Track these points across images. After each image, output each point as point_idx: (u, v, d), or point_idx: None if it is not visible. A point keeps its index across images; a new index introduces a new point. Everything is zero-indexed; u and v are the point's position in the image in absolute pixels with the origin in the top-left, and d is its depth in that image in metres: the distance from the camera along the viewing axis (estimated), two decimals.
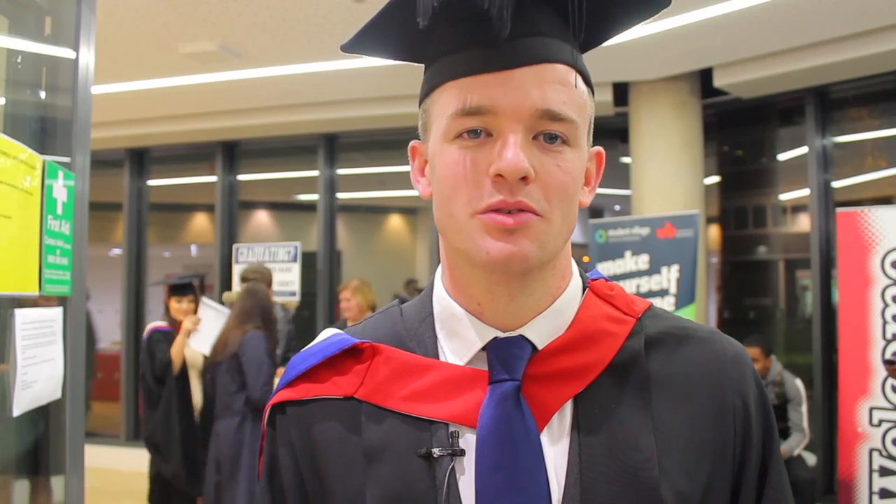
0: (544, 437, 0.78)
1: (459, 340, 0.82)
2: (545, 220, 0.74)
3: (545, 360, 0.80)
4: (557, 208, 0.75)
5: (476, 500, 0.75)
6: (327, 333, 0.90)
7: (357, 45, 0.84)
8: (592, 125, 0.83)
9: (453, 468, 0.76)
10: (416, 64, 0.86)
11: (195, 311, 4.73)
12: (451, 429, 0.78)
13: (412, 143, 0.87)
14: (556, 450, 0.78)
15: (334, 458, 0.81)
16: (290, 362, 0.88)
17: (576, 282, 0.85)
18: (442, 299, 0.85)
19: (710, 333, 0.86)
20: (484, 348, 0.81)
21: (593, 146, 0.85)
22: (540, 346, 0.80)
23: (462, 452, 0.77)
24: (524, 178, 0.72)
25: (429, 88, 0.80)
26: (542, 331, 0.81)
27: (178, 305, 4.71)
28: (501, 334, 0.80)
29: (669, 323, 0.86)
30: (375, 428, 0.80)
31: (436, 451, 0.77)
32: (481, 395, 0.78)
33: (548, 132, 0.74)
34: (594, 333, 0.82)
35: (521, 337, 0.80)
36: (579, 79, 0.78)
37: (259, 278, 4.43)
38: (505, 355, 0.79)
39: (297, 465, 0.83)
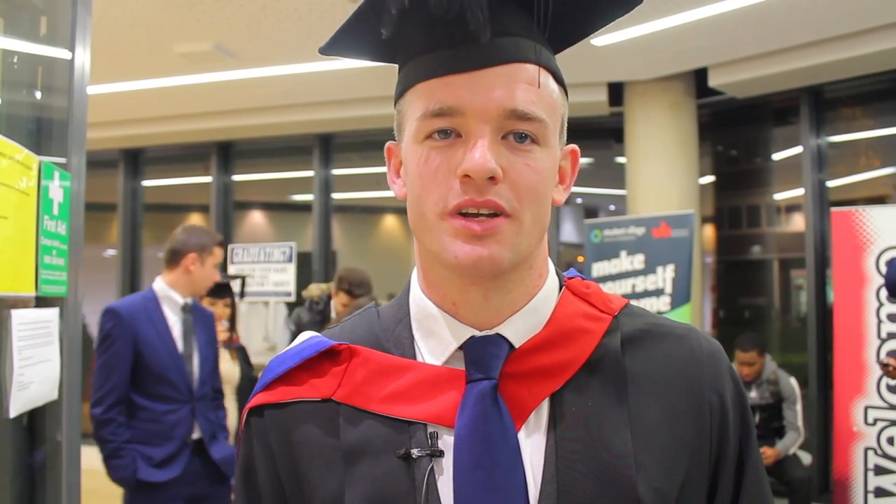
0: (522, 436, 0.78)
1: (436, 340, 0.82)
2: (515, 222, 0.75)
3: (522, 359, 0.80)
4: (528, 208, 0.75)
5: (454, 500, 0.75)
6: (305, 336, 0.90)
7: (333, 47, 0.85)
8: (566, 125, 0.83)
9: (432, 468, 0.76)
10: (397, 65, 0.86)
11: (231, 317, 4.22)
12: (430, 429, 0.78)
13: (388, 144, 0.87)
14: (533, 448, 0.78)
15: (313, 460, 0.80)
16: (267, 365, 0.88)
17: (552, 280, 0.86)
18: (418, 299, 0.85)
19: (687, 331, 0.86)
20: (461, 347, 0.81)
21: (570, 144, 0.86)
22: (517, 345, 0.80)
23: (441, 453, 0.77)
24: (492, 178, 0.73)
25: (401, 89, 0.81)
26: (519, 329, 0.81)
27: (212, 309, 3.95)
28: (478, 333, 0.80)
29: (646, 320, 0.86)
30: (354, 430, 0.80)
31: (415, 452, 0.77)
32: (459, 395, 0.78)
33: (517, 132, 0.75)
34: (571, 331, 0.82)
35: (498, 335, 0.80)
36: (550, 78, 0.79)
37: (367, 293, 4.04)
38: (481, 354, 0.79)
39: (274, 468, 0.83)
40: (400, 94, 0.81)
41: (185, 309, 3.10)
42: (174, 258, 3.09)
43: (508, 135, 0.75)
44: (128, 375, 2.90)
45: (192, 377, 3.02)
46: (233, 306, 4.30)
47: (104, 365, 2.89)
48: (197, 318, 3.13)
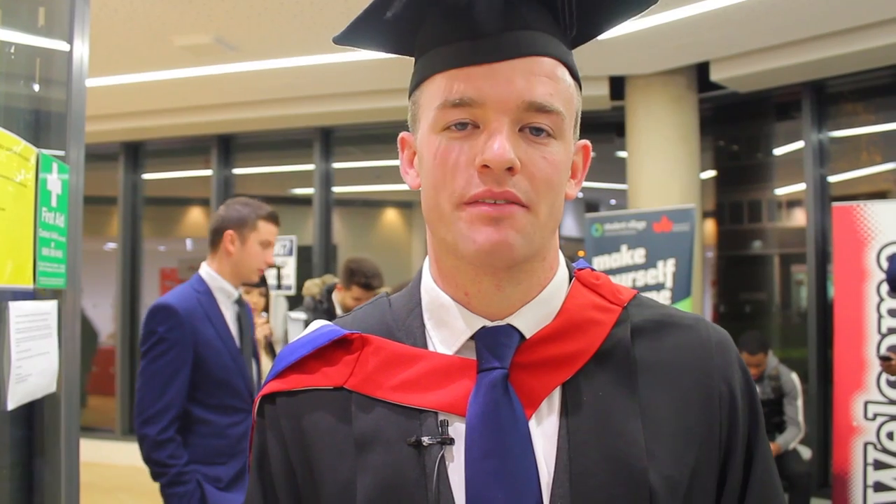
0: (533, 425, 0.79)
1: (448, 330, 0.83)
2: (531, 213, 0.76)
3: (533, 349, 0.81)
4: (544, 200, 0.76)
5: (466, 488, 0.76)
6: (316, 325, 0.90)
7: (349, 37, 0.85)
8: (579, 119, 0.84)
9: (443, 456, 0.77)
10: (408, 57, 0.87)
11: (265, 307, 3.83)
12: (441, 417, 0.79)
13: (401, 134, 0.88)
14: (544, 436, 0.79)
15: (325, 447, 0.81)
16: (279, 354, 0.89)
17: (562, 272, 0.87)
18: (430, 289, 0.86)
19: (695, 321, 0.87)
20: (472, 337, 0.81)
21: (581, 139, 0.87)
22: (528, 335, 0.81)
23: (451, 441, 0.78)
24: (510, 169, 0.74)
25: (418, 80, 0.82)
26: (530, 320, 0.82)
27: (247, 297, 3.45)
28: (489, 323, 0.81)
29: (655, 311, 0.87)
30: (365, 417, 0.81)
31: (425, 440, 0.77)
32: (470, 384, 0.79)
33: (534, 125, 0.76)
34: (581, 322, 0.83)
35: (509, 326, 0.81)
36: (566, 72, 0.80)
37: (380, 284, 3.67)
38: (493, 344, 0.80)
39: (287, 456, 0.84)
40: (416, 85, 0.82)
41: (238, 301, 2.66)
42: (213, 238, 2.60)
43: (525, 127, 0.75)
44: (186, 386, 2.43)
45: (253, 382, 2.64)
46: (266, 296, 3.88)
47: (158, 375, 2.41)
48: (245, 311, 2.71)
